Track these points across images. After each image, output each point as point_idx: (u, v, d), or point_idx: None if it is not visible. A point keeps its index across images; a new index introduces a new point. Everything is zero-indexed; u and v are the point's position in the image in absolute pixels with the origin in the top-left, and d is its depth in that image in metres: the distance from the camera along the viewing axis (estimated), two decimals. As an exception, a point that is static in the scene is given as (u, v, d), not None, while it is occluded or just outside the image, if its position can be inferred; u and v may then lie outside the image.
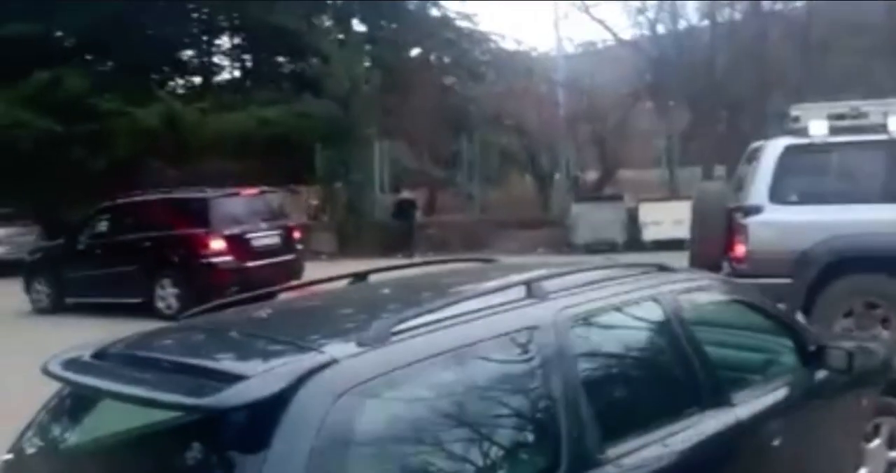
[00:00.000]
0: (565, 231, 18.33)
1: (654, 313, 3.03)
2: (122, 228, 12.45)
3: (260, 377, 2.07)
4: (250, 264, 11.47)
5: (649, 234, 17.33)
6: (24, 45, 20.81)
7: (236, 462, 2.01)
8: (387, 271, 3.58)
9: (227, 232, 11.62)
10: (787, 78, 19.41)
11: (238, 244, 11.63)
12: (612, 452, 2.56)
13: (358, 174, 20.32)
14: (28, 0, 21.05)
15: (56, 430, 2.61)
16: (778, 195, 7.00)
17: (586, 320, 2.79)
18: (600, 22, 21.82)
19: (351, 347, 2.24)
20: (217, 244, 11.46)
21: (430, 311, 2.48)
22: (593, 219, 17.78)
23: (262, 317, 2.89)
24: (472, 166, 20.84)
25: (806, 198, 7.07)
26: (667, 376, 3.07)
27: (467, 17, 27.93)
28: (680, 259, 14.36)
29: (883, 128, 6.97)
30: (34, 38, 21.27)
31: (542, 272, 3.02)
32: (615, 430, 2.65)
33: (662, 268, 3.38)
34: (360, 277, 3.41)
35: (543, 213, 20.63)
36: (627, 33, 22.87)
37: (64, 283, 12.66)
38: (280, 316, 2.93)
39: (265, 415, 1.99)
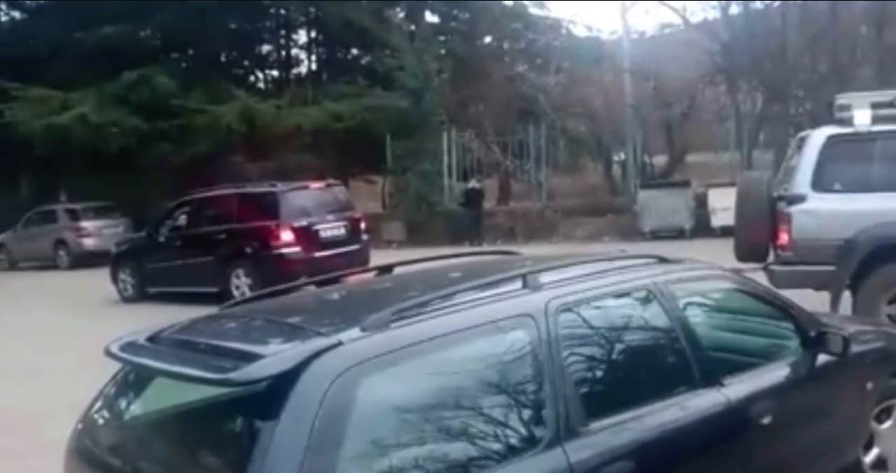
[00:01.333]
0: (633, 217, 18.37)
1: (645, 301, 3.33)
2: (198, 221, 13.25)
3: (273, 357, 2.48)
4: (318, 254, 12.01)
5: (718, 220, 17.18)
6: (114, 46, 21.95)
7: (253, 429, 2.42)
8: (411, 263, 3.96)
9: (295, 224, 12.16)
10: (863, 59, 18.92)
11: (306, 235, 12.18)
12: (594, 426, 2.87)
13: (427, 164, 20.74)
14: (116, 2, 22.19)
15: (118, 403, 3.10)
16: (821, 184, 7.11)
17: (576, 308, 3.09)
18: (670, 6, 21.61)
19: (355, 332, 2.62)
20: (286, 235, 12.02)
21: (431, 300, 2.85)
22: (660, 206, 17.75)
23: (287, 307, 3.32)
24: (541, 154, 21.01)
25: (849, 187, 7.13)
26: (654, 358, 3.37)
27: (539, 3, 28.09)
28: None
29: None
30: (123, 38, 22.40)
31: (541, 265, 3.34)
32: (600, 407, 2.97)
33: (662, 260, 3.66)
34: (385, 270, 3.81)
35: (611, 200, 20.67)
36: (697, 16, 22.64)
37: (146, 273, 13.56)
38: (302, 306, 3.36)
39: (276, 389, 2.39)
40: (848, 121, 7.22)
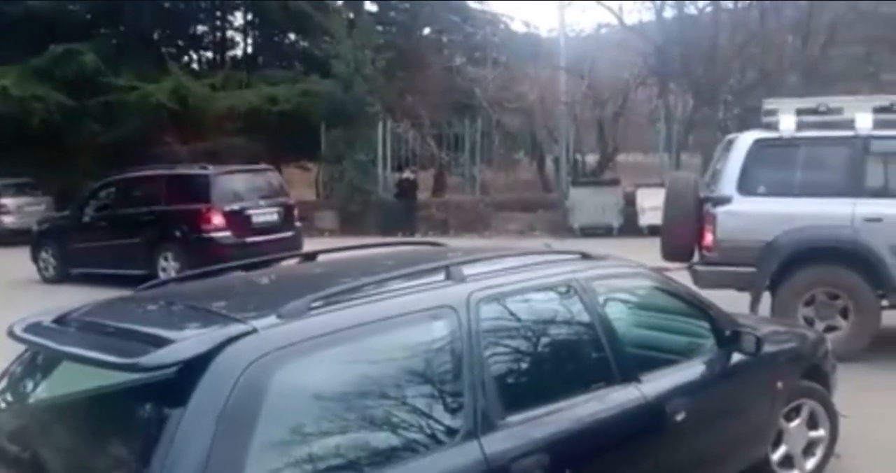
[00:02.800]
0: (564, 214, 18.59)
1: (565, 296, 3.35)
2: (126, 202, 12.87)
3: (183, 342, 2.41)
4: (249, 240, 11.83)
5: (646, 219, 17.49)
6: (39, 20, 21.15)
7: (161, 417, 2.34)
8: (338, 251, 3.91)
9: (226, 208, 11.94)
10: (789, 67, 19.50)
11: (237, 220, 11.97)
12: (512, 419, 2.87)
13: (362, 153, 20.59)
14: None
15: (20, 387, 2.96)
16: (746, 187, 7.30)
17: (497, 301, 3.09)
18: (606, 7, 21.91)
19: (271, 319, 2.57)
20: (217, 219, 11.79)
21: (351, 289, 2.81)
22: (591, 203, 18.01)
23: (205, 291, 3.24)
24: (475, 147, 21.08)
25: (773, 191, 7.32)
26: (573, 353, 3.40)
27: (479, -3, 28.15)
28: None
29: (850, 124, 7.18)
30: (50, 12, 21.60)
31: (465, 257, 3.34)
32: (518, 400, 2.98)
33: (585, 256, 3.69)
34: (309, 257, 3.75)
35: (543, 196, 20.87)
36: (633, 18, 23.02)
37: (69, 254, 13.12)
38: (220, 291, 3.28)
39: (186, 376, 2.33)
40: (774, 126, 7.41)
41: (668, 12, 21.71)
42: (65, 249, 13.18)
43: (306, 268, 3.66)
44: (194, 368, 2.34)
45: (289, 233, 12.63)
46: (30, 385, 3.00)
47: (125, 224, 12.54)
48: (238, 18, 28.51)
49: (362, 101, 20.52)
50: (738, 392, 3.95)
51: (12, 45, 21.00)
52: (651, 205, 17.52)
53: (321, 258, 3.72)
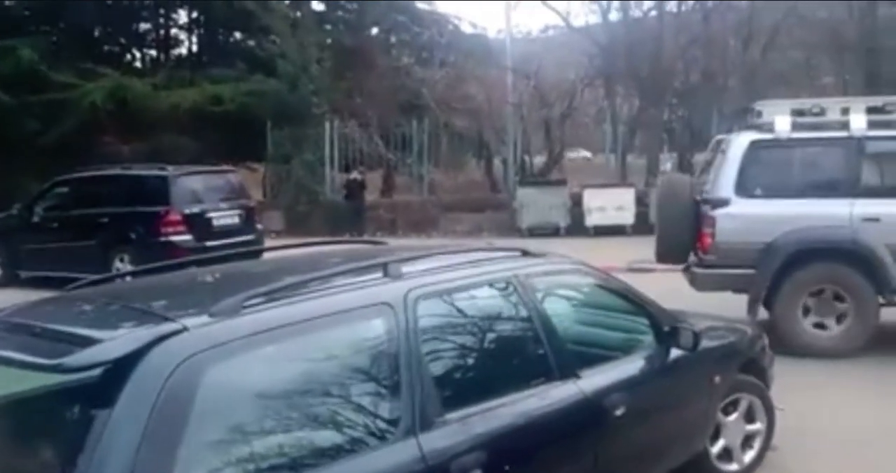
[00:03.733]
0: (511, 214, 18.69)
1: (504, 293, 3.36)
2: (79, 202, 12.39)
3: (111, 342, 2.35)
4: (209, 243, 11.34)
5: (592, 220, 17.75)
6: (-27, 15, 20.55)
7: (88, 419, 2.27)
8: (283, 249, 3.86)
9: (186, 210, 11.64)
10: (731, 70, 19.92)
11: (197, 223, 11.66)
12: (451, 416, 2.86)
13: (309, 153, 20.45)
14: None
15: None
16: (743, 188, 7.31)
17: (436, 299, 3.07)
18: (553, 8, 22.12)
19: (203, 317, 2.51)
20: (175, 222, 11.46)
21: (286, 287, 2.76)
22: (538, 203, 18.14)
23: (138, 290, 3.17)
24: (423, 148, 21.09)
25: (770, 192, 7.34)
26: (512, 350, 3.40)
27: (427, -3, 28.18)
28: (621, 244, 14.88)
29: (844, 125, 7.27)
30: (-17, 7, 21.02)
31: (404, 255, 3.32)
32: (457, 398, 2.97)
33: (525, 253, 3.69)
34: (251, 255, 3.69)
35: (491, 196, 20.96)
36: (579, 20, 23.29)
37: (17, 256, 12.63)
38: (153, 290, 3.20)
39: (114, 376, 2.26)
40: (767, 128, 7.41)
41: (614, 15, 22.09)
42: (12, 251, 12.68)
43: (246, 266, 3.61)
44: (122, 368, 2.27)
45: (250, 236, 12.30)
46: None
47: (79, 225, 12.08)
48: (182, 16, 28.10)
49: (308, 101, 20.38)
50: (677, 386, 4.00)
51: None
52: (597, 205, 17.79)
53: (264, 256, 3.67)
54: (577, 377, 3.40)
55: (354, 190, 19.56)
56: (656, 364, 3.88)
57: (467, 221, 19.06)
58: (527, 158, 22.33)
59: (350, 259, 3.41)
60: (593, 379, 3.46)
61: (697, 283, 7.54)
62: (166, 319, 2.51)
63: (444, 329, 3.14)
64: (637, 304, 3.98)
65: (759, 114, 7.60)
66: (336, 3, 27.56)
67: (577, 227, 17.69)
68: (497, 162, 22.96)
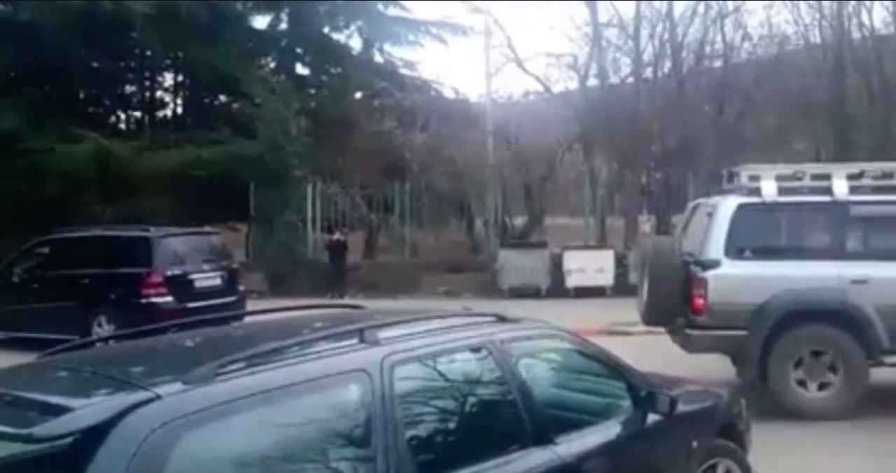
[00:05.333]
0: (493, 275, 18.73)
1: (480, 359, 3.37)
2: (59, 262, 12.31)
3: (83, 410, 2.33)
4: (191, 305, 11.24)
5: (572, 281, 17.80)
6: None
7: (57, 489, 2.26)
8: (262, 314, 3.87)
9: (168, 272, 11.56)
10: (706, 134, 20.33)
11: (179, 284, 11.57)
12: (427, 485, 2.85)
13: (291, 215, 20.52)
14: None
15: None
16: (733, 250, 7.42)
17: (412, 365, 3.08)
18: (533, 75, 22.61)
19: (177, 385, 2.51)
20: (157, 284, 11.36)
21: (261, 353, 2.77)
22: (519, 265, 18.19)
23: (112, 356, 3.16)
24: (405, 209, 21.23)
25: (759, 254, 7.50)
26: (489, 416, 3.40)
27: (410, 64, 28.69)
28: (601, 305, 14.89)
29: (827, 190, 7.48)
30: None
31: (381, 320, 3.33)
32: (433, 465, 2.96)
33: (501, 319, 3.72)
34: (224, 320, 3.70)
35: (473, 258, 21.03)
36: (559, 86, 23.77)
37: None
38: (127, 356, 3.19)
39: (84, 445, 2.25)
40: (755, 192, 7.58)
41: (592, 81, 22.54)
42: None
43: (223, 331, 3.61)
44: (93, 437, 2.26)
45: (232, 298, 12.17)
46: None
47: (59, 286, 11.92)
48: (168, 79, 28.44)
49: (288, 163, 20.56)
50: (654, 451, 3.99)
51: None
52: (577, 266, 17.88)
53: (243, 320, 3.67)
54: (554, 443, 3.39)
55: (337, 251, 19.57)
56: (633, 428, 3.87)
57: (449, 282, 19.06)
58: (508, 220, 22.50)
59: (327, 324, 3.42)
60: (570, 445, 3.45)
61: (691, 345, 7.57)
62: (139, 387, 2.51)
63: (420, 394, 3.14)
64: (614, 369, 4.00)
65: (737, 178, 7.79)
66: (320, 68, 27.99)
67: (557, 288, 17.72)
68: (478, 223, 23.11)
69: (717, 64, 21.83)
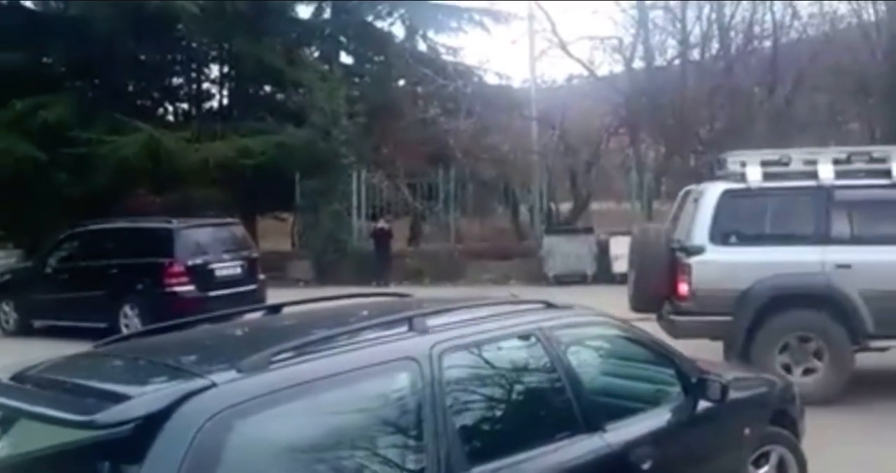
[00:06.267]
0: (538, 262, 18.65)
1: (529, 346, 3.37)
2: (89, 254, 12.82)
3: (140, 398, 2.39)
4: (212, 294, 11.81)
5: (619, 267, 17.60)
6: (14, 73, 21.17)
7: (117, 474, 2.32)
8: (303, 303, 3.91)
9: (189, 262, 11.99)
10: (756, 116, 19.94)
11: (200, 274, 12.01)
12: (476, 470, 2.86)
13: (337, 203, 20.67)
14: (15, 28, 21.50)
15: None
16: (718, 236, 7.42)
17: (461, 353, 3.10)
18: (577, 59, 22.35)
19: (231, 373, 2.56)
20: (179, 273, 11.82)
21: (313, 342, 2.81)
22: (565, 251, 18.10)
23: (166, 346, 3.22)
24: (450, 197, 21.24)
25: (743, 240, 7.51)
26: (538, 403, 3.40)
27: (453, 51, 28.62)
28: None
29: (813, 174, 7.44)
30: (24, 65, 21.65)
31: (429, 308, 3.35)
32: (482, 452, 2.97)
33: (549, 305, 3.71)
34: (274, 309, 3.75)
35: (518, 245, 20.97)
36: (603, 69, 23.48)
37: (31, 306, 12.99)
38: (181, 345, 3.25)
39: (143, 432, 2.30)
40: (741, 178, 7.55)
41: (638, 63, 22.22)
42: (26, 301, 13.05)
43: (272, 321, 3.66)
44: (151, 424, 2.32)
45: (252, 286, 12.67)
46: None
47: (88, 276, 12.46)
48: (214, 71, 28.73)
49: (337, 152, 20.68)
50: (705, 439, 3.95)
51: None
52: (623, 252, 17.64)
53: (287, 310, 3.72)
54: (604, 430, 3.38)
55: (382, 239, 19.67)
56: (684, 416, 3.84)
57: (494, 269, 19.04)
58: (553, 206, 22.37)
59: (375, 313, 3.45)
60: (620, 432, 3.44)
61: (676, 331, 7.52)
62: (195, 375, 2.56)
63: (469, 382, 3.15)
64: (663, 356, 3.97)
65: (724, 164, 7.77)
66: (364, 57, 28.07)
67: (603, 275, 17.58)
68: (523, 209, 23.02)
69: (767, 44, 21.34)
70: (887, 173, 7.38)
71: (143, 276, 11.96)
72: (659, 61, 22.13)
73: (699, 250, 7.38)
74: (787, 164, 7.61)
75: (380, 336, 3.00)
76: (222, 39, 25.28)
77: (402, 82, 26.98)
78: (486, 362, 3.24)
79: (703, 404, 3.89)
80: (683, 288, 7.40)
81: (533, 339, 3.37)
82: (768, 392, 4.55)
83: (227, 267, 12.46)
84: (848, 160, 7.57)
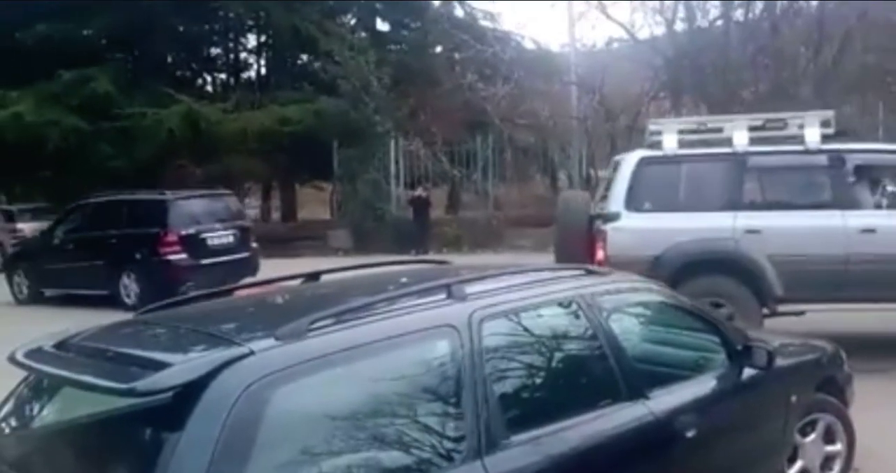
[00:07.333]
0: (577, 229, 18.46)
1: (570, 313, 3.31)
2: (91, 225, 13.37)
3: (180, 366, 2.39)
4: (204, 261, 12.43)
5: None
6: (53, 46, 21.42)
7: (159, 441, 2.32)
8: (341, 271, 3.89)
9: (182, 231, 12.50)
10: (802, 77, 19.42)
11: (193, 243, 12.54)
12: (517, 438, 2.83)
13: (375, 172, 20.69)
14: (56, 0, 21.70)
15: (22, 413, 2.95)
16: (633, 203, 7.50)
17: (500, 320, 3.05)
18: (617, 21, 21.93)
19: (269, 341, 2.54)
20: (172, 242, 12.34)
21: (351, 309, 2.78)
22: (605, 218, 17.89)
23: (205, 313, 3.22)
24: (488, 164, 21.12)
25: (658, 206, 7.54)
26: (579, 371, 3.35)
27: (491, 16, 28.26)
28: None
29: (728, 141, 7.52)
30: (62, 38, 21.88)
31: (468, 275, 3.31)
32: (523, 420, 2.93)
33: (590, 272, 3.65)
34: (311, 277, 3.73)
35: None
36: (643, 32, 22.99)
37: (41, 275, 13.63)
38: (219, 313, 3.25)
39: (183, 400, 2.30)
40: (658, 145, 7.63)
41: (679, 25, 21.71)
42: (37, 271, 13.66)
43: (308, 289, 3.65)
44: (191, 392, 2.31)
45: (245, 254, 13.23)
46: (33, 410, 2.99)
47: (91, 246, 13.05)
48: (251, 40, 28.83)
49: (370, 120, 20.69)
50: (751, 407, 3.88)
51: (27, 71, 21.30)
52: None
53: (324, 278, 3.70)
54: (647, 397, 3.32)
55: (420, 207, 19.68)
56: (729, 383, 3.77)
57: (533, 236, 18.93)
58: (593, 172, 22.11)
59: (414, 280, 3.42)
60: (663, 400, 3.38)
61: None
62: (233, 343, 2.55)
63: (508, 350, 3.11)
64: (707, 322, 3.89)
65: (655, 132, 7.82)
66: (400, 23, 27.89)
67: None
68: (562, 176, 22.81)
69: (813, 2, 20.71)
70: (801, 140, 7.41)
71: (140, 246, 12.55)
72: (701, 22, 21.56)
73: (615, 217, 7.46)
74: (703, 132, 7.71)
75: (418, 303, 2.96)
76: (259, 8, 25.27)
77: (438, 49, 26.77)
78: (526, 329, 3.19)
79: (748, 371, 3.81)
80: (600, 255, 7.48)
81: (574, 306, 3.32)
82: (816, 358, 4.45)
83: (219, 236, 13.01)
84: (763, 127, 7.64)
